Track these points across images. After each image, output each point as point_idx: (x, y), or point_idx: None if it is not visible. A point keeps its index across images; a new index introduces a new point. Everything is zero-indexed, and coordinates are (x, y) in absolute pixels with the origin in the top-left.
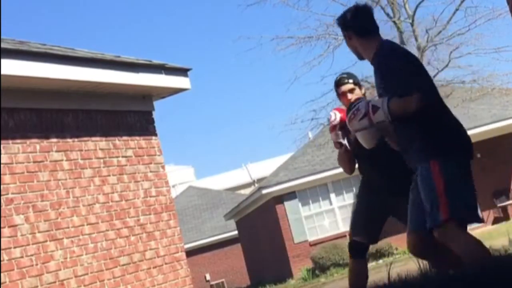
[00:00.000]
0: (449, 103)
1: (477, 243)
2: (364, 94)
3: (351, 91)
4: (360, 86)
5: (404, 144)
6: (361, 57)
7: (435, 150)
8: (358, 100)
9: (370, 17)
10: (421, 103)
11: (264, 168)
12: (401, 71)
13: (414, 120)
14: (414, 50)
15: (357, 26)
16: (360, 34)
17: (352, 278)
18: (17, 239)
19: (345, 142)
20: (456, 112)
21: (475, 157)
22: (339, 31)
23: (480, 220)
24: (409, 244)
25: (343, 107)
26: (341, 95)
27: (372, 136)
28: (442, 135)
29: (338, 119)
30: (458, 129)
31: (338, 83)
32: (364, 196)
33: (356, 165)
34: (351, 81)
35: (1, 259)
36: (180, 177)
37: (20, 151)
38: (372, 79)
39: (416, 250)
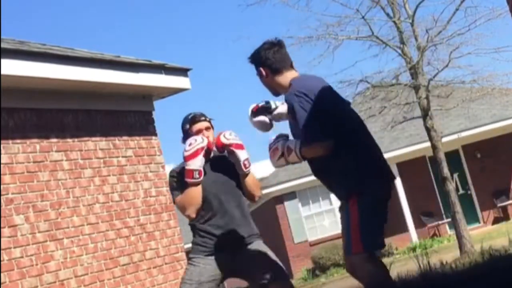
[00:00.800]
0: (449, 103)
1: (381, 274)
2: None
3: (207, 129)
4: (212, 127)
5: (326, 182)
6: (277, 94)
7: (352, 187)
8: (276, 137)
9: (285, 52)
10: (329, 149)
11: (264, 168)
12: (304, 118)
13: (328, 161)
14: (414, 50)
15: (273, 62)
16: (277, 71)
17: None
18: (17, 239)
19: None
20: (456, 112)
21: (476, 157)
22: (339, 31)
23: (382, 246)
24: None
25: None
26: (196, 133)
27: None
28: (357, 170)
29: (205, 144)
30: (372, 158)
31: (192, 121)
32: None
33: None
34: (207, 119)
35: (1, 259)
36: None
37: (20, 151)
38: (373, 79)
39: (350, 271)
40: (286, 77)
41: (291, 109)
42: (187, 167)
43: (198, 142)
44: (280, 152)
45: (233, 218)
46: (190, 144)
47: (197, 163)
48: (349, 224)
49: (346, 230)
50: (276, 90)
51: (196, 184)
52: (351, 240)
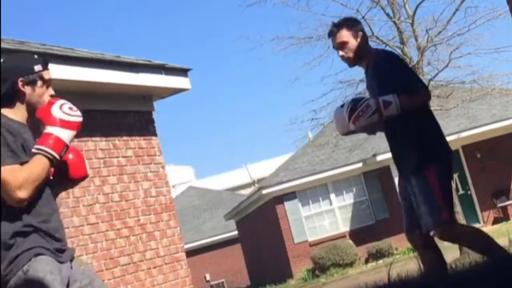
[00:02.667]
0: (449, 103)
1: (476, 230)
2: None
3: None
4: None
5: (400, 148)
6: (355, 62)
7: (429, 159)
8: (352, 101)
9: None
10: (428, 98)
11: (264, 168)
12: (404, 72)
13: (408, 129)
14: (414, 50)
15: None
16: (367, 39)
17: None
18: None
19: None
20: (456, 112)
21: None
22: None
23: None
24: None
25: None
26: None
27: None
28: (432, 143)
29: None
30: (441, 134)
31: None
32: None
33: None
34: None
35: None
36: (180, 177)
37: None
38: None
39: (447, 237)
40: (369, 47)
41: (386, 70)
42: (55, 134)
43: (79, 114)
44: (373, 109)
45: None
46: (71, 109)
47: (70, 137)
48: (431, 191)
49: (427, 198)
50: (360, 55)
51: (53, 165)
52: (439, 206)
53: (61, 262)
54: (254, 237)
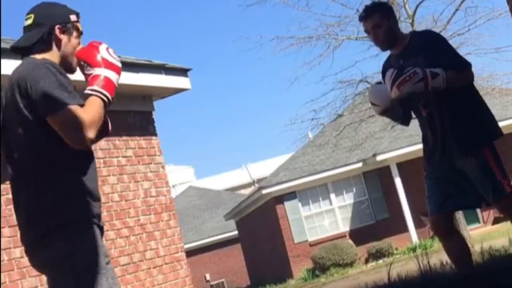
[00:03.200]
0: None
1: None
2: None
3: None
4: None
5: (457, 126)
6: (389, 45)
7: (486, 135)
8: (401, 66)
9: None
10: (472, 78)
11: (264, 168)
12: (451, 49)
13: (462, 107)
14: None
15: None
16: (396, 22)
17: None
18: (17, 239)
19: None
20: None
21: None
22: (339, 31)
23: None
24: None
25: None
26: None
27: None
28: (488, 121)
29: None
30: (491, 113)
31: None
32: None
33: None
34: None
35: (1, 259)
36: (180, 177)
37: None
38: (373, 79)
39: (438, 230)
40: (400, 31)
41: (433, 45)
42: (106, 75)
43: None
44: (420, 76)
45: None
46: (114, 52)
47: (117, 80)
48: (491, 168)
49: (489, 174)
50: (391, 39)
51: (106, 107)
52: (502, 181)
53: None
54: (254, 237)
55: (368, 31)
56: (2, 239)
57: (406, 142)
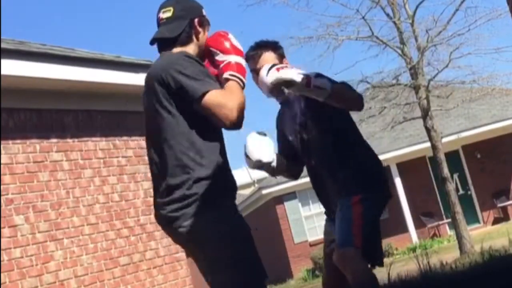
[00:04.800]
0: (449, 103)
1: (373, 276)
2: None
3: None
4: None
5: (330, 168)
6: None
7: (364, 187)
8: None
9: None
10: (361, 106)
11: None
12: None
13: (342, 149)
14: (414, 51)
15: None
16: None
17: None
18: (17, 239)
19: None
20: (456, 112)
21: (476, 157)
22: (339, 31)
23: (381, 264)
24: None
25: None
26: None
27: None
28: (366, 169)
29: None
30: (379, 163)
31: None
32: None
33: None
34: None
35: (1, 259)
36: None
37: (20, 151)
38: (372, 79)
39: (342, 264)
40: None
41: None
42: (239, 62)
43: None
44: (301, 77)
45: None
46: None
47: (246, 66)
48: (351, 219)
49: (346, 223)
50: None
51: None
52: (353, 233)
53: None
54: (254, 237)
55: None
56: (2, 239)
57: (406, 142)
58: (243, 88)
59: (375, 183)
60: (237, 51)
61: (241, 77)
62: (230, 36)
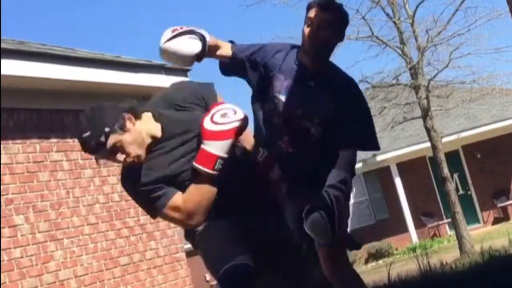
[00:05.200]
0: (449, 103)
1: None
2: None
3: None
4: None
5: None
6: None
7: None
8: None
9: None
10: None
11: None
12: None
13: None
14: (414, 50)
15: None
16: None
17: None
18: (17, 239)
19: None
20: (456, 112)
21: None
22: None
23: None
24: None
25: None
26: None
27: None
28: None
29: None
30: None
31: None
32: None
33: None
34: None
35: (1, 259)
36: None
37: (20, 151)
38: (373, 79)
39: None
40: None
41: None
42: (204, 148)
43: (237, 114)
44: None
45: None
46: (225, 115)
47: (225, 148)
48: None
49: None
50: (327, 51)
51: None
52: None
53: None
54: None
55: (312, 21)
56: (2, 239)
57: (406, 142)
58: (211, 176)
59: None
60: (209, 136)
61: (202, 168)
62: (206, 118)
